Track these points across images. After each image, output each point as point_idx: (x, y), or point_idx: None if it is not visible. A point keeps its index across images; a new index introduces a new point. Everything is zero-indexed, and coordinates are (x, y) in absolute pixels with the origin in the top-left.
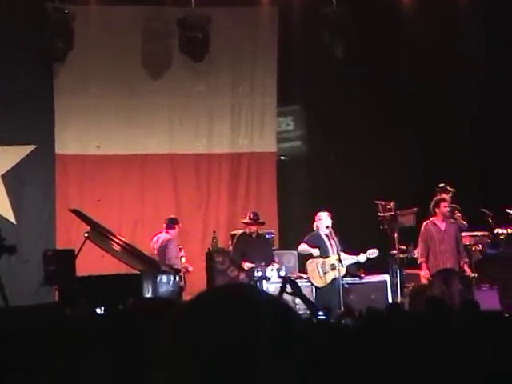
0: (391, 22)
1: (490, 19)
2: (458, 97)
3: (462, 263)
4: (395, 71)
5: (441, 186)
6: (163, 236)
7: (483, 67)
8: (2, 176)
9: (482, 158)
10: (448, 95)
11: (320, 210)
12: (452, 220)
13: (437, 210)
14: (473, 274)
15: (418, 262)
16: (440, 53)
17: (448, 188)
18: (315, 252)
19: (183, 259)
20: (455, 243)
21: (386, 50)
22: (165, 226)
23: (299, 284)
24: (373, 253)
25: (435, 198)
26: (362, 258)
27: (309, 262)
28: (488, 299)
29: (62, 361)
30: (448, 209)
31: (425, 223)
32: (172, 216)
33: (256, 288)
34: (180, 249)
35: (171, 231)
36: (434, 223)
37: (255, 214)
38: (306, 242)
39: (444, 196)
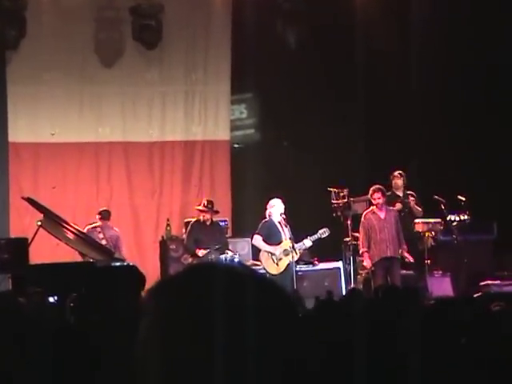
0: (345, 10)
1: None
2: (410, 86)
3: (400, 250)
4: (348, 60)
5: (396, 172)
6: (108, 228)
7: (436, 58)
8: None
9: (435, 144)
10: (400, 84)
11: (271, 198)
12: (390, 207)
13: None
14: (412, 260)
15: (360, 251)
16: (394, 43)
17: (401, 173)
18: (271, 249)
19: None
20: (395, 231)
21: (339, 39)
22: (99, 216)
23: None
24: (323, 232)
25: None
26: (307, 242)
27: (262, 251)
28: (441, 286)
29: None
30: (380, 201)
31: (365, 213)
32: (105, 208)
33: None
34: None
35: (108, 222)
36: (374, 212)
37: (210, 202)
38: (260, 234)
39: (380, 187)
